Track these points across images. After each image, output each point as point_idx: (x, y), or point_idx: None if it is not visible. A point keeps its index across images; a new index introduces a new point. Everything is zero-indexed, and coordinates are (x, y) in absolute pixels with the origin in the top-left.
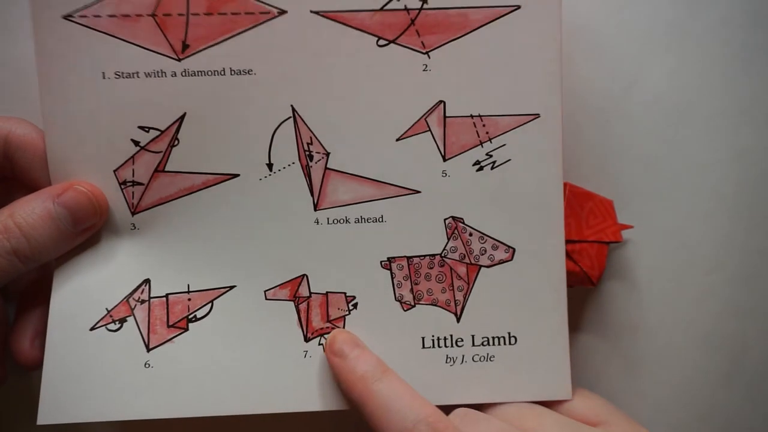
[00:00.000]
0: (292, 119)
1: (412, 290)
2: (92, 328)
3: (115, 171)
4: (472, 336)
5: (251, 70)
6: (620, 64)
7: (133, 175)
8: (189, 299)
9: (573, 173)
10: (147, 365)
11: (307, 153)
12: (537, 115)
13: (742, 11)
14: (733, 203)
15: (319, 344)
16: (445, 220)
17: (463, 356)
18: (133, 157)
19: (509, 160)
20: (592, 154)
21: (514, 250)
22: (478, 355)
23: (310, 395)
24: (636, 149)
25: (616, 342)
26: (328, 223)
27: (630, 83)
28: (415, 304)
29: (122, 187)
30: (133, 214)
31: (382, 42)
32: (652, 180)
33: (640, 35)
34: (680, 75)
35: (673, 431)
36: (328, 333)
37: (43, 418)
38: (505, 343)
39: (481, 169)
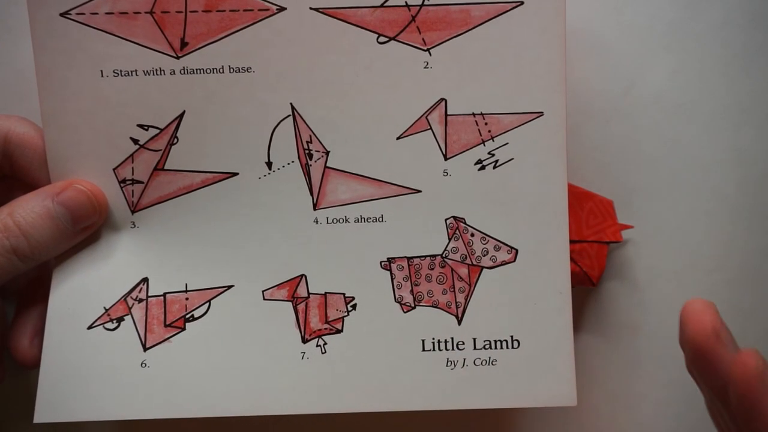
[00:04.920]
0: (291, 117)
1: (412, 291)
2: (90, 327)
3: (114, 169)
4: (474, 339)
5: (250, 68)
6: (620, 64)
7: (133, 174)
8: (187, 298)
9: (573, 173)
10: (143, 365)
11: (307, 151)
12: (540, 113)
13: (742, 11)
14: (733, 203)
15: (317, 345)
16: (446, 220)
17: (465, 360)
18: (132, 155)
19: (512, 159)
20: (592, 154)
21: (516, 251)
22: (479, 358)
23: (306, 397)
24: (636, 149)
25: (616, 342)
26: (327, 223)
27: (630, 83)
28: (415, 305)
29: (122, 185)
30: (132, 212)
31: (382, 39)
32: (652, 180)
33: (640, 35)
34: (680, 75)
35: (673, 431)
36: (326, 334)
37: (40, 416)
38: (507, 347)
39: (483, 168)
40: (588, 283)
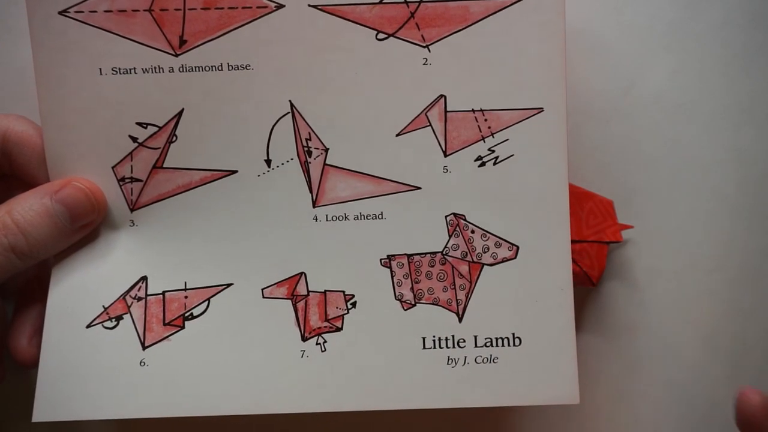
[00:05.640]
0: (290, 115)
1: (412, 289)
2: (88, 326)
3: (113, 167)
4: (475, 337)
5: (249, 66)
6: (620, 64)
7: (132, 172)
8: (186, 297)
9: (573, 173)
10: (142, 363)
11: (306, 149)
12: (540, 109)
13: (742, 11)
14: (733, 203)
15: (317, 344)
16: (446, 216)
17: (466, 358)
18: (131, 153)
19: (512, 155)
20: (592, 154)
21: (517, 247)
22: (480, 356)
23: (306, 396)
24: (636, 149)
25: (616, 342)
26: (327, 220)
27: (630, 83)
28: (415, 303)
29: (121, 183)
30: (131, 210)
31: (381, 36)
32: (652, 180)
33: (640, 35)
34: (680, 75)
35: (673, 431)
36: (326, 332)
37: (38, 415)
38: (508, 345)
39: (483, 164)
40: (588, 283)
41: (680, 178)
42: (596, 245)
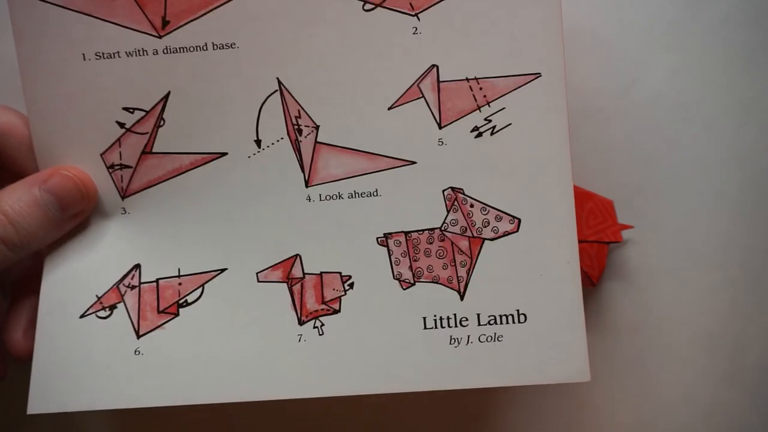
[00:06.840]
0: (278, 93)
1: (411, 267)
2: (82, 316)
3: (102, 155)
4: (478, 315)
5: (234, 44)
6: (620, 64)
7: (121, 158)
8: (179, 284)
9: (573, 173)
10: (137, 352)
11: (296, 127)
12: (538, 75)
13: (743, 11)
14: (734, 203)
15: (314, 327)
16: (443, 191)
17: (469, 337)
18: (119, 139)
19: (510, 124)
20: (592, 154)
21: (519, 220)
22: (484, 335)
23: (304, 381)
24: (636, 149)
25: (616, 342)
26: (320, 200)
27: (630, 83)
28: (414, 281)
29: (110, 170)
30: (123, 198)
31: (368, 6)
32: (653, 180)
33: (640, 35)
34: (681, 74)
35: (674, 430)
36: (323, 315)
37: (33, 407)
38: (513, 322)
39: (480, 135)
40: (588, 283)
41: (680, 178)
42: (596, 245)
